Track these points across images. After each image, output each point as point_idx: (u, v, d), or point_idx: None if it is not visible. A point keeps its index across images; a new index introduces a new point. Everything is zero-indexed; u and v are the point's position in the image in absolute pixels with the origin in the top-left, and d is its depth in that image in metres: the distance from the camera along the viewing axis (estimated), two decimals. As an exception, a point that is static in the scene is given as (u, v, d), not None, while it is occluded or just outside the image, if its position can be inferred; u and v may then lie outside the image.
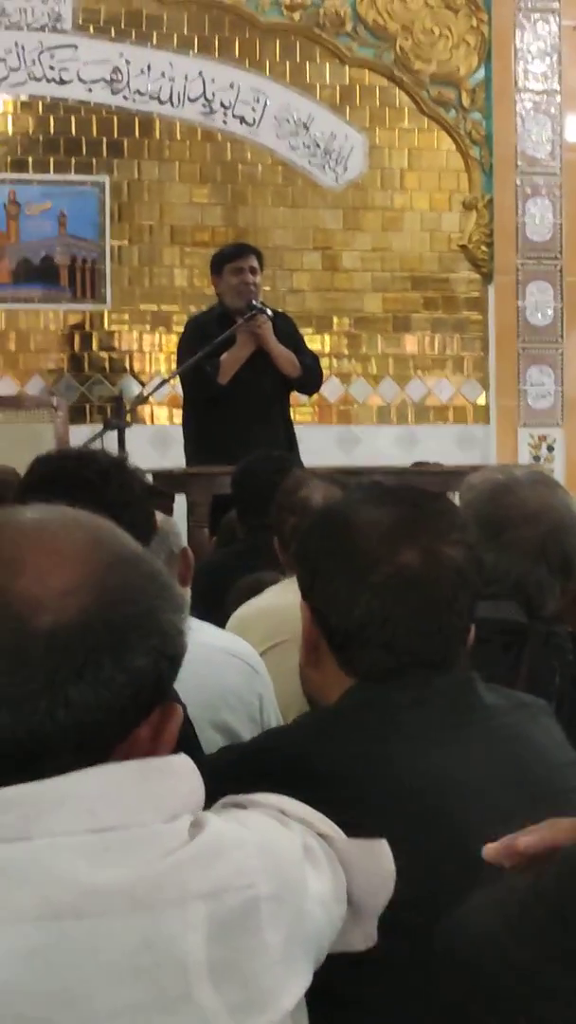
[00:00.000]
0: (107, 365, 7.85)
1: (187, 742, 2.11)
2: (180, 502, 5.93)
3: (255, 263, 6.50)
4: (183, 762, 1.25)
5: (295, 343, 6.64)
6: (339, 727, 1.72)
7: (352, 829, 1.42)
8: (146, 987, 1.12)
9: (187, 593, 2.69)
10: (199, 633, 2.54)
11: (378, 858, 1.40)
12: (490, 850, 1.27)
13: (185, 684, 2.13)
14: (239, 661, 2.57)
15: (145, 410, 7.61)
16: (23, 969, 1.09)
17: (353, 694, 1.75)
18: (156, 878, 1.14)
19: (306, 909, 1.26)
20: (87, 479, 2.11)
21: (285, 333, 6.57)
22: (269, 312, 6.40)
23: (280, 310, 6.85)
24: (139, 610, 1.19)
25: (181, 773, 1.24)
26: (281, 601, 2.99)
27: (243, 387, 6.30)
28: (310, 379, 6.66)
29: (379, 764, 1.66)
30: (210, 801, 1.30)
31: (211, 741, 2.28)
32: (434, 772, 1.66)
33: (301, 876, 1.27)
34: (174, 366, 6.81)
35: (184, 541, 2.66)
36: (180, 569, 2.59)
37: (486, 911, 1.25)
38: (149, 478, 2.32)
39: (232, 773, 1.68)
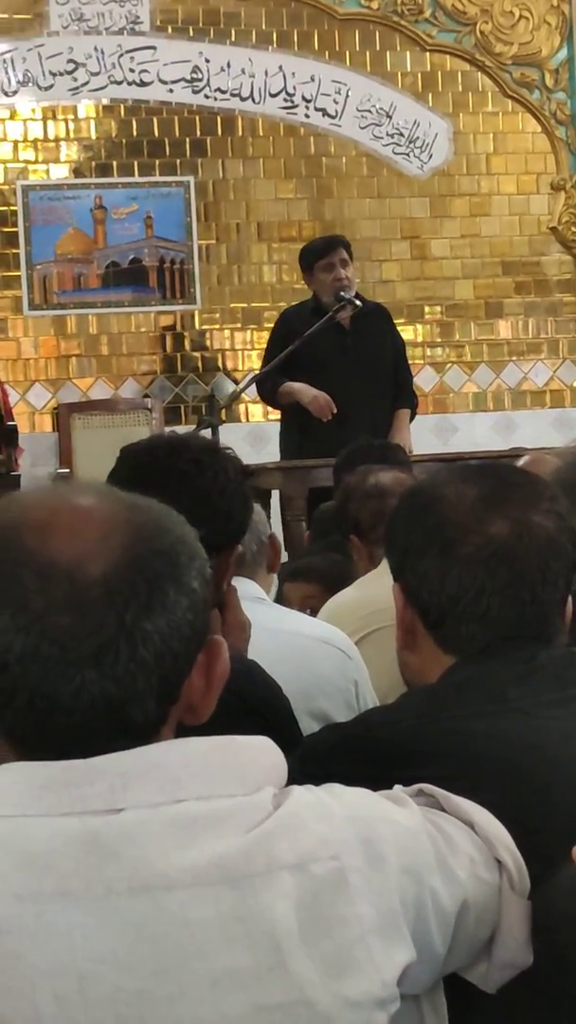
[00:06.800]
0: (200, 365, 7.87)
1: (291, 730, 2.08)
2: (275, 496, 5.91)
3: (345, 255, 6.30)
4: (264, 741, 1.26)
5: (395, 353, 6.50)
6: (443, 705, 1.67)
7: None
8: (240, 956, 1.14)
9: (274, 579, 2.66)
10: (291, 622, 2.53)
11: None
12: None
13: (280, 674, 2.12)
14: (331, 648, 2.54)
15: (240, 408, 7.60)
16: (117, 941, 1.11)
17: (455, 672, 1.71)
18: (243, 850, 1.16)
19: (413, 881, 1.25)
20: (181, 470, 2.06)
21: (380, 332, 6.43)
22: (358, 303, 6.30)
23: (377, 302, 6.70)
24: (176, 535, 1.22)
25: (263, 748, 1.25)
26: (374, 590, 2.96)
27: (342, 383, 6.21)
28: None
29: (486, 741, 1.62)
30: (311, 781, 1.29)
31: (308, 729, 2.25)
32: (543, 747, 1.62)
33: (386, 846, 1.25)
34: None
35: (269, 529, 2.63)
36: (268, 556, 2.56)
37: (571, 889, 1.21)
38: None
39: (335, 753, 1.66)
